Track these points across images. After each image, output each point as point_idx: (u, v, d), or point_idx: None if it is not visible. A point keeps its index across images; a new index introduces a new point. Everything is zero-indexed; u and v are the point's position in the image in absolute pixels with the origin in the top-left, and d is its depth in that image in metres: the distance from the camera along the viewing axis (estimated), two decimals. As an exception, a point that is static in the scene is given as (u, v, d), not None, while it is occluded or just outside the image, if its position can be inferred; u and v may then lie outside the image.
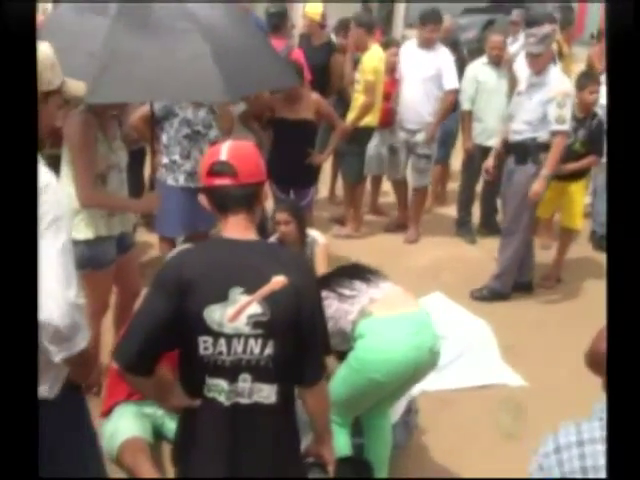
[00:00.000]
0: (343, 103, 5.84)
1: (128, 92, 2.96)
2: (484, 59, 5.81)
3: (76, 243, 3.18)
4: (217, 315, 1.84)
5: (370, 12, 16.41)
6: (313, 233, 4.09)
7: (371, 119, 5.64)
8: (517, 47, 6.69)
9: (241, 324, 1.85)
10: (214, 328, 1.85)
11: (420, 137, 5.76)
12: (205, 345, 1.87)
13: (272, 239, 4.22)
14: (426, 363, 2.74)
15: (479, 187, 6.20)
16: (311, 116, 4.76)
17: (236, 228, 1.93)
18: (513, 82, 5.61)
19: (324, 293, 2.81)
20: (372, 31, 5.60)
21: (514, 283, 5.07)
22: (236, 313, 1.84)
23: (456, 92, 5.74)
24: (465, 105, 5.83)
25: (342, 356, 2.77)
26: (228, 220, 1.94)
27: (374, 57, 5.50)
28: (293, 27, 6.81)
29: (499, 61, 5.71)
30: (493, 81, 5.73)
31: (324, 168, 6.67)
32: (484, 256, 5.67)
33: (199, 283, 1.83)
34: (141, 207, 3.46)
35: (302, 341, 1.92)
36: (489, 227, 6.14)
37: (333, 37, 6.34)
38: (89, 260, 3.20)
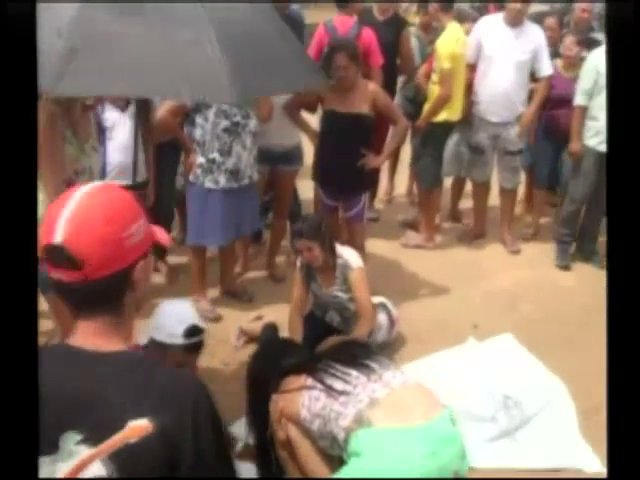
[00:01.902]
0: (421, 92, 5.00)
1: (103, 84, 2.31)
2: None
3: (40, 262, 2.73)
4: (44, 473, 1.15)
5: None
6: (346, 254, 3.40)
7: (450, 114, 4.79)
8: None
9: None
10: None
11: (513, 131, 4.94)
12: None
13: (298, 262, 3.59)
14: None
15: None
16: (367, 110, 3.95)
17: (88, 333, 1.24)
18: None
19: (309, 381, 2.14)
20: (450, 7, 4.72)
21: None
22: (73, 473, 1.15)
23: (551, 79, 4.91)
24: (580, 100, 4.71)
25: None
26: (79, 323, 1.25)
27: (450, 40, 4.61)
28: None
29: None
30: None
31: (403, 162, 5.93)
32: (579, 287, 4.70)
33: None
34: None
35: None
36: (585, 253, 5.12)
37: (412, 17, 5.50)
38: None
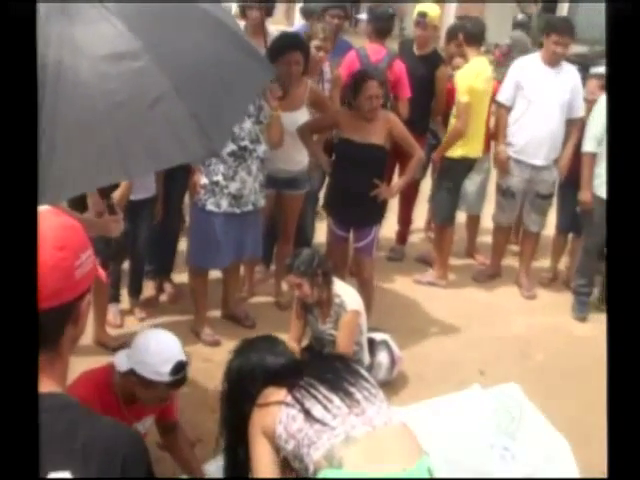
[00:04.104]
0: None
1: (88, 178, 2.08)
2: None
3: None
4: None
5: (528, 21, 15.06)
6: (344, 294, 3.27)
7: (468, 150, 4.68)
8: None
9: None
10: None
11: (549, 175, 4.82)
12: None
13: (295, 296, 3.48)
14: None
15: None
16: (382, 140, 3.85)
17: None
18: None
19: (289, 398, 2.01)
20: (476, 41, 4.63)
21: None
22: None
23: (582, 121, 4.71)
24: (589, 146, 4.47)
25: None
26: None
27: (470, 73, 4.52)
28: (404, 30, 5.96)
29: None
30: None
31: (424, 194, 5.77)
32: (595, 338, 4.46)
33: None
34: (98, 226, 2.67)
35: None
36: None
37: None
38: None
